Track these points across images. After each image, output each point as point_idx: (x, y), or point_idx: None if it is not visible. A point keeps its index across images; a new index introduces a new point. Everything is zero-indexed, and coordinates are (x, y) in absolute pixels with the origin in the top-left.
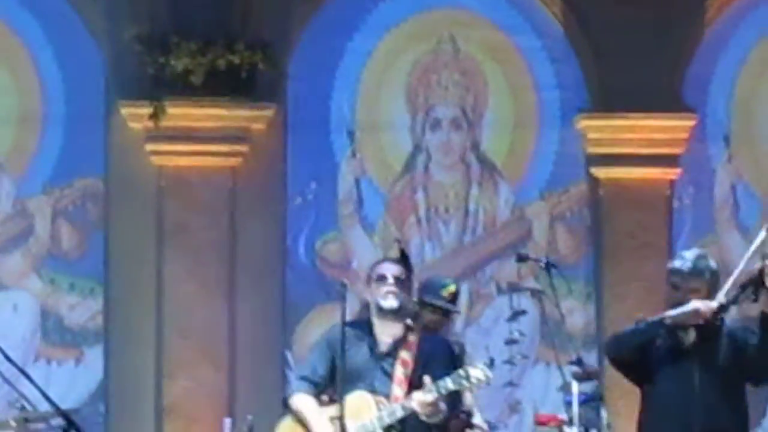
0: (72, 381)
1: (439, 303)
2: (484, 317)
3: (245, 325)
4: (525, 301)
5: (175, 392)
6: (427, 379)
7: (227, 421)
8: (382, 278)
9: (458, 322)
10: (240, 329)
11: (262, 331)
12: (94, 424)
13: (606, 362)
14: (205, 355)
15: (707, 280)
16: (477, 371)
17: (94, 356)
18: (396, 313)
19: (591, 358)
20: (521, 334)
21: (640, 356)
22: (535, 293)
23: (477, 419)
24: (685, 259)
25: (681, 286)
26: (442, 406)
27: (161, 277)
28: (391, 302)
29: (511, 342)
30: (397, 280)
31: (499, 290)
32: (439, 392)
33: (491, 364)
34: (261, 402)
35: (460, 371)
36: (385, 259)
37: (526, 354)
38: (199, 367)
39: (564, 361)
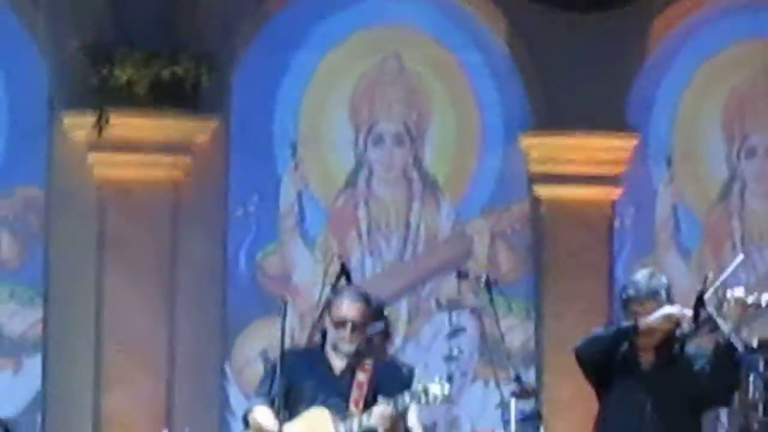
0: (9, 390)
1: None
2: (423, 334)
3: (184, 337)
4: (464, 318)
5: (113, 403)
6: (381, 398)
7: None
8: (341, 324)
9: (397, 339)
10: (179, 341)
11: (201, 343)
12: None
13: (544, 380)
14: (143, 366)
15: (664, 298)
16: (436, 387)
17: (33, 366)
18: (352, 357)
19: (530, 376)
20: (460, 351)
21: (606, 361)
22: (475, 310)
23: None
24: (638, 283)
25: (641, 311)
26: (402, 425)
27: (101, 288)
28: (348, 348)
29: (450, 359)
30: (355, 326)
31: (439, 307)
32: (396, 408)
33: (449, 379)
34: (199, 414)
35: (419, 387)
36: (345, 295)
37: (465, 371)
38: (137, 378)
39: (502, 378)
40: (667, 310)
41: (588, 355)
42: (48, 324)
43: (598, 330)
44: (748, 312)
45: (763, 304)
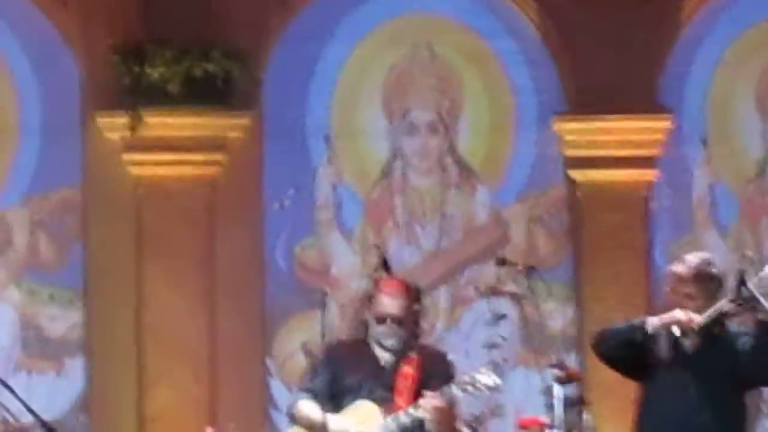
0: (53, 392)
1: None
2: (463, 321)
3: (225, 333)
4: (505, 305)
5: (157, 402)
6: (426, 393)
7: (209, 430)
8: (381, 319)
9: (438, 327)
10: (220, 337)
11: (242, 338)
12: None
13: (587, 364)
14: (185, 363)
15: (703, 287)
16: (484, 377)
17: (75, 367)
18: (395, 351)
19: (572, 360)
20: (502, 337)
21: (622, 355)
22: (515, 296)
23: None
24: (686, 263)
25: (677, 290)
26: (455, 412)
27: (141, 287)
28: (391, 342)
29: (491, 346)
30: (396, 321)
31: (479, 294)
32: (445, 398)
33: (496, 368)
34: (243, 410)
35: (466, 377)
36: (385, 291)
37: (507, 357)
38: (180, 376)
39: (545, 363)
40: (677, 314)
41: (601, 351)
42: (89, 325)
43: (613, 325)
44: None
45: None
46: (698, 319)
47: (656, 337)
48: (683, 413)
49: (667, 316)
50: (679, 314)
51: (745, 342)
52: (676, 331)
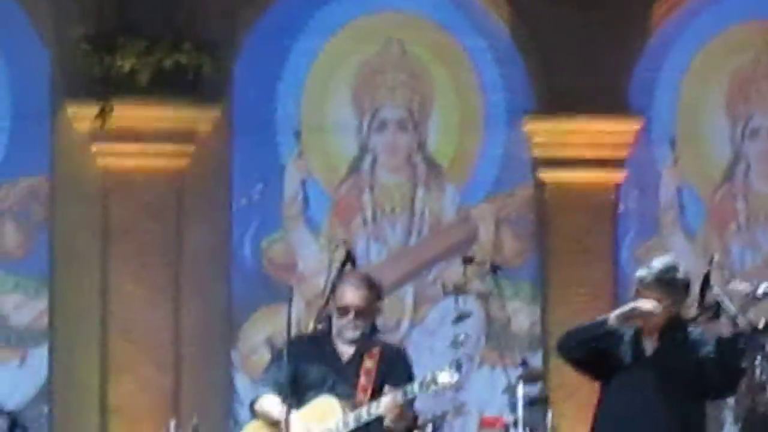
0: (16, 381)
1: None
2: (429, 319)
3: (190, 326)
4: (470, 303)
5: (120, 393)
6: (388, 389)
7: (172, 422)
8: (344, 311)
9: (404, 324)
10: (185, 329)
11: (207, 331)
12: (38, 424)
13: (551, 364)
14: (150, 355)
15: (669, 292)
16: (444, 375)
17: (39, 357)
18: (357, 342)
19: (536, 360)
20: (466, 335)
21: (587, 354)
22: (481, 295)
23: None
24: (651, 268)
25: (642, 294)
26: (409, 412)
27: (106, 278)
28: (352, 334)
29: (456, 344)
30: (359, 313)
31: (445, 292)
32: (405, 396)
33: (458, 367)
34: (206, 402)
35: (427, 375)
36: (349, 282)
37: (471, 356)
38: (143, 367)
39: (509, 363)
40: (635, 303)
41: (566, 350)
42: (53, 314)
43: (579, 324)
44: (746, 301)
45: (760, 294)
46: (657, 309)
47: (619, 338)
48: (640, 415)
49: (627, 306)
50: (636, 303)
51: (708, 351)
52: (638, 323)
